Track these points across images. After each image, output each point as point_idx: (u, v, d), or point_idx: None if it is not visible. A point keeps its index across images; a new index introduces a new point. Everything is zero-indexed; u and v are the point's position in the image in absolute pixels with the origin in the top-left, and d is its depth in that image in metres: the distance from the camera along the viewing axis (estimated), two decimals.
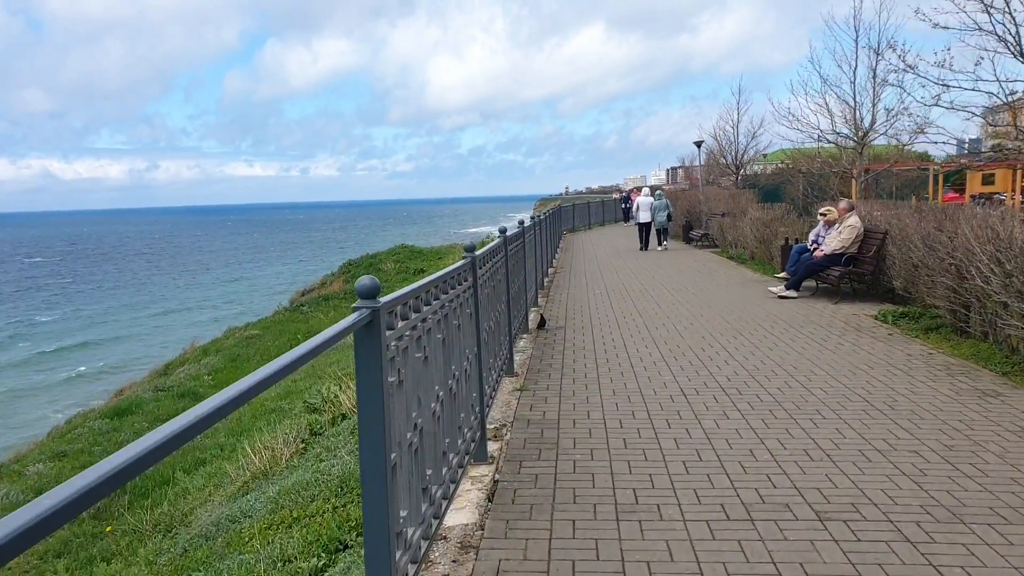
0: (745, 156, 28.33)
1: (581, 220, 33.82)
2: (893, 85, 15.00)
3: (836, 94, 16.39)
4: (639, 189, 32.78)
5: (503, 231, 6.60)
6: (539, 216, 13.41)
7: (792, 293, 10.48)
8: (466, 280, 4.15)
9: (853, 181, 19.21)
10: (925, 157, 24.78)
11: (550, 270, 16.10)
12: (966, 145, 22.92)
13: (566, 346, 7.82)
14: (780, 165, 28.44)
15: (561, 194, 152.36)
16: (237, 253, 77.58)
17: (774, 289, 10.72)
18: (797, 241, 12.47)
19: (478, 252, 4.67)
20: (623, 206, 35.37)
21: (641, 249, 20.38)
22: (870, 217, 10.61)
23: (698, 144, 28.87)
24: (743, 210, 19.81)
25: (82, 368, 22.23)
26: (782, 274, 11.11)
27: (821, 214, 11.00)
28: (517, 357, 7.27)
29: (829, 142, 17.42)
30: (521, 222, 8.71)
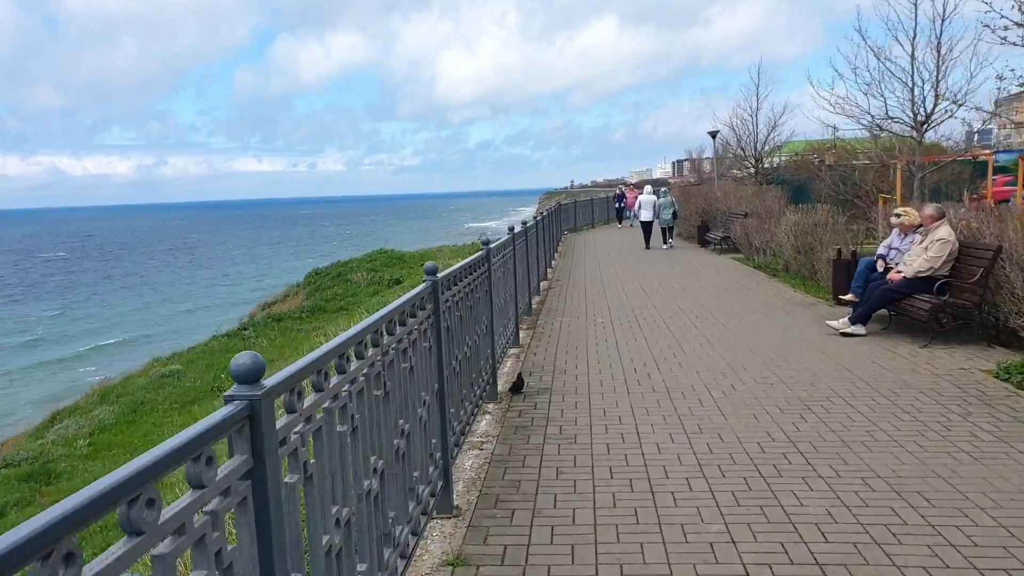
0: (766, 147, 25.53)
1: (584, 218, 31.12)
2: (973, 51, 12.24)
3: (890, 70, 13.59)
4: (633, 186, 29.90)
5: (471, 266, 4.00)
6: (528, 223, 10.77)
7: (860, 329, 7.81)
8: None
9: (898, 175, 16.46)
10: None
11: (544, 282, 13.44)
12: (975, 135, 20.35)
13: (548, 435, 5.17)
14: (807, 157, 25.64)
15: (566, 187, 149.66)
16: (256, 248, 78.09)
17: (834, 324, 8.05)
18: (855, 255, 9.78)
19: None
20: (616, 205, 31.94)
21: (646, 248, 19.98)
22: (966, 226, 7.91)
23: (712, 134, 26.14)
24: (769, 210, 17.14)
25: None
26: (846, 297, 8.45)
27: (895, 215, 8.30)
28: (468, 463, 4.63)
29: (882, 130, 14.66)
30: (486, 242, 6.07)
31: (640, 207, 21.10)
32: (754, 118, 25.65)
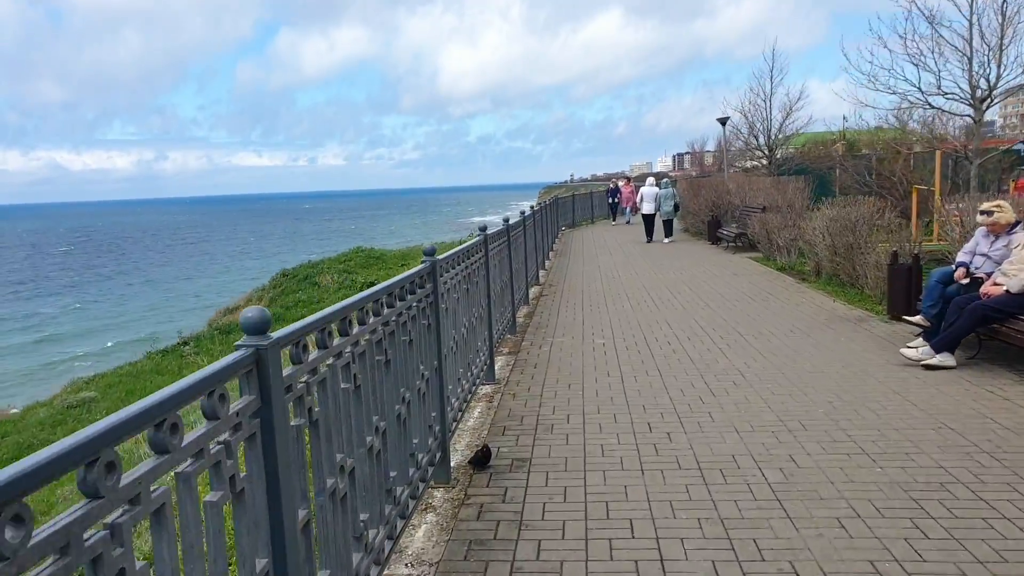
0: (781, 134, 23.53)
1: (583, 213, 29.15)
2: None
3: (944, 37, 11.62)
4: (629, 180, 27.91)
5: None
6: (516, 220, 8.85)
7: (949, 360, 5.89)
8: None
9: (938, 163, 14.52)
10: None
11: (535, 288, 11.51)
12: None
13: (518, 562, 3.24)
14: (828, 145, 23.65)
15: (566, 181, 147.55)
16: (263, 241, 77.43)
17: (911, 354, 6.12)
18: (917, 258, 7.86)
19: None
20: (610, 200, 28.97)
21: (647, 241, 19.38)
22: None
23: (722, 121, 24.17)
24: (791, 203, 15.21)
25: None
26: (914, 320, 6.53)
27: (983, 212, 6.38)
28: None
29: (933, 107, 12.70)
30: (430, 254, 4.21)
31: (642, 200, 20.27)
32: (768, 103, 23.67)
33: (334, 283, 18.50)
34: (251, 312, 1.87)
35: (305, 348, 2.17)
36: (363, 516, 2.62)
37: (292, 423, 2.02)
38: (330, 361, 2.38)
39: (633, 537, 3.39)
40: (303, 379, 2.14)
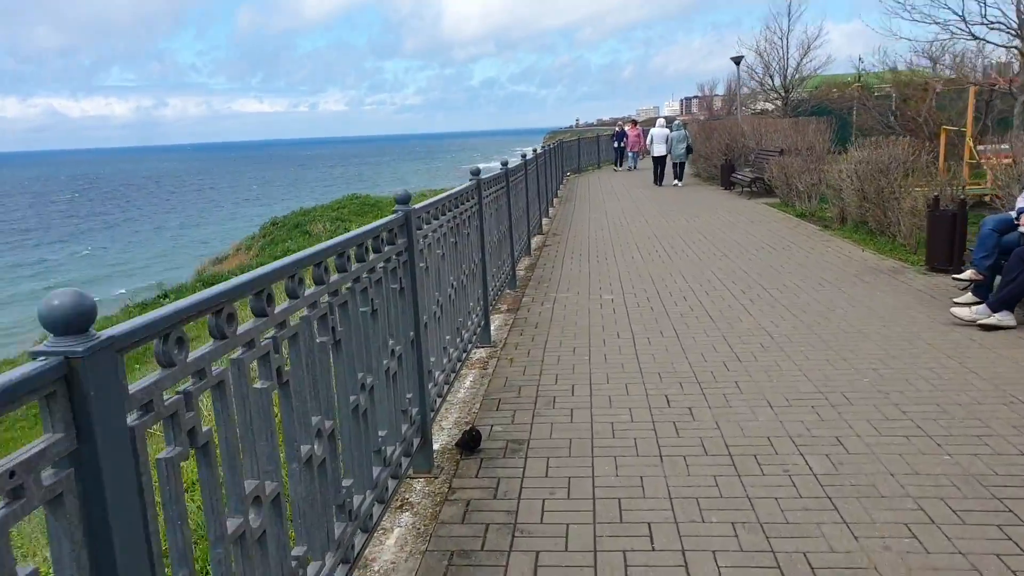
0: (798, 74, 22.33)
1: (588, 158, 28.15)
2: None
3: None
4: (635, 123, 26.82)
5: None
6: (517, 164, 8.05)
7: (1008, 319, 5.17)
8: None
9: (971, 101, 13.51)
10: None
11: (536, 239, 10.78)
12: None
13: None
14: (849, 85, 22.44)
15: (571, 126, 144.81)
16: (268, 188, 75.94)
17: (963, 313, 5.39)
18: (963, 204, 7.07)
19: None
20: (615, 145, 27.37)
21: (656, 184, 19.09)
22: None
23: (736, 60, 22.97)
24: (811, 146, 14.30)
25: None
26: (963, 276, 5.77)
27: None
28: None
29: (976, 38, 11.68)
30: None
31: (652, 141, 19.74)
32: (784, 41, 22.42)
33: (326, 232, 17.55)
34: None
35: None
36: (296, 552, 1.96)
37: (256, 386, 1.79)
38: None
39: (653, 549, 2.73)
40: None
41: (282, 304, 2.01)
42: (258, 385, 1.79)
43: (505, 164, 7.21)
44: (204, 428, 1.50)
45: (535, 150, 11.92)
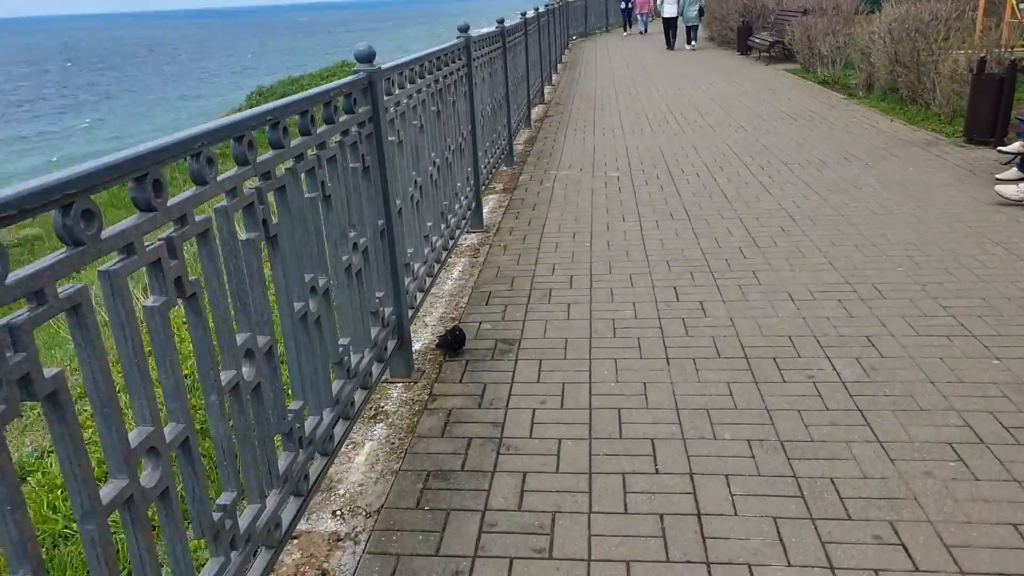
0: None
1: (597, 20, 26.42)
2: None
3: None
4: None
5: None
6: (515, 23, 7.23)
7: None
8: None
9: None
10: None
11: (537, 109, 10.02)
12: None
13: (489, 517, 2.27)
14: None
15: None
16: (265, 58, 71.95)
17: (1008, 191, 4.84)
18: (1014, 65, 6.32)
19: None
20: (623, 6, 25.48)
21: (668, 48, 18.47)
22: None
23: None
24: (837, 6, 13.10)
25: None
26: (1010, 148, 5.17)
27: None
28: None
29: None
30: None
31: (662, 1, 18.75)
32: None
33: None
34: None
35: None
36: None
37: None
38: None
39: (656, 472, 2.38)
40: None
41: (185, 192, 1.53)
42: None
43: (501, 22, 6.43)
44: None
45: (537, 9, 10.89)
